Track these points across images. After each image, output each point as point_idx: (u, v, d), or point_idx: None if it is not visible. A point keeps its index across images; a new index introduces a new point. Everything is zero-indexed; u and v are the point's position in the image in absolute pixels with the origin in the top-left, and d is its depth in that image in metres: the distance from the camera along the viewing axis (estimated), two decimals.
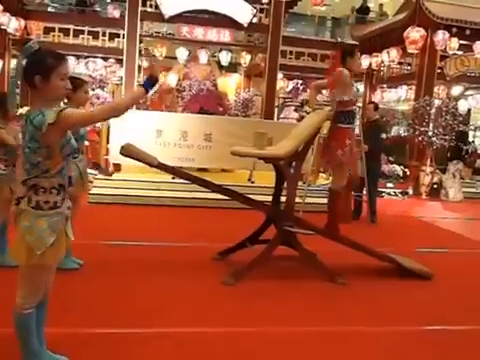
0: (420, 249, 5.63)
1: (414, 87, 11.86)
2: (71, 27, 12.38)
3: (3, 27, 11.06)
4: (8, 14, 10.94)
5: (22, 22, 11.68)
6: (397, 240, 6.25)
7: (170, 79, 12.20)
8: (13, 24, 11.23)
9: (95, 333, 3.03)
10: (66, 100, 3.94)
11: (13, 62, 12.77)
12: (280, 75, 12.52)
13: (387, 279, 4.50)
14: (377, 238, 5.92)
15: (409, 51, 10.93)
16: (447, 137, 10.65)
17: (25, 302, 2.33)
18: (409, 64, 13.11)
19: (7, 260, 3.82)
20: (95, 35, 12.45)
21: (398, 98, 13.28)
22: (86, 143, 4.60)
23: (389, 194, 10.26)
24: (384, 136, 7.51)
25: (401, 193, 10.39)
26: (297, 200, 4.94)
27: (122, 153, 4.06)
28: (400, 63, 13.02)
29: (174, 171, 4.47)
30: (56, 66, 2.27)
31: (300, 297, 3.94)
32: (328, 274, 4.32)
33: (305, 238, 4.39)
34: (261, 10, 11.15)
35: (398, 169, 10.93)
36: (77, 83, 4.00)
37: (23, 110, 3.56)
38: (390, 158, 11.60)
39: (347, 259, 4.74)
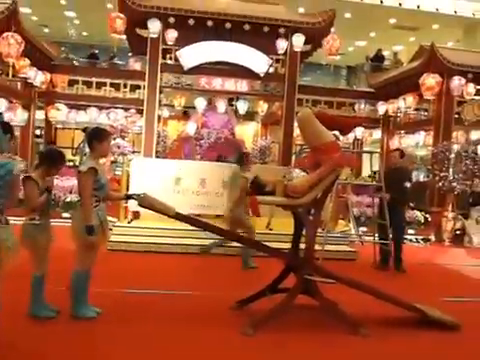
0: (447, 298, 5.44)
1: (432, 132, 11.87)
2: (94, 79, 12.87)
3: (30, 81, 11.55)
4: (35, 68, 11.45)
5: (48, 75, 12.19)
6: (422, 289, 6.05)
7: (189, 128, 12.44)
8: (39, 78, 11.74)
9: None
10: (90, 150, 4.04)
11: (38, 113, 13.24)
12: (296, 123, 12.69)
13: (413, 330, 4.33)
14: (402, 287, 5.74)
15: (426, 97, 11.01)
16: (468, 182, 10.51)
17: None
18: (426, 110, 13.20)
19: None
20: (117, 87, 12.91)
21: (416, 143, 13.27)
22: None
23: (411, 241, 10.07)
24: (408, 184, 7.23)
25: (423, 240, 10.19)
26: (316, 247, 4.86)
27: (139, 204, 4.10)
28: (417, 109, 13.12)
29: (191, 221, 4.47)
30: None
31: (321, 350, 3.81)
32: (350, 325, 4.19)
33: (326, 287, 4.29)
34: (277, 60, 11.45)
35: (419, 215, 10.77)
36: (103, 134, 4.11)
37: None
38: (410, 204, 11.46)
39: (370, 308, 4.60)
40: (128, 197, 4.65)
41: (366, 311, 4.56)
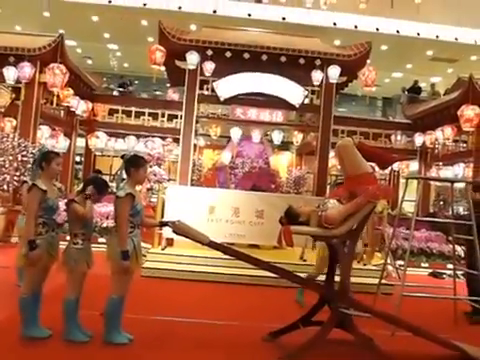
0: None
1: (471, 164, 11.56)
2: (133, 109, 13.25)
3: (72, 109, 12.01)
4: (78, 98, 11.91)
5: (89, 105, 12.65)
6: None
7: (224, 157, 12.57)
8: (81, 107, 12.19)
9: None
10: (127, 177, 4.13)
11: (79, 141, 13.70)
12: (332, 153, 12.63)
13: None
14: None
15: (464, 129, 10.79)
16: None
17: None
18: (465, 142, 12.91)
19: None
20: (155, 116, 13.24)
21: (455, 176, 12.93)
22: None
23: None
24: None
25: None
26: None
27: (174, 231, 4.14)
28: (455, 141, 12.86)
29: (224, 249, 4.46)
30: None
31: None
32: None
33: (361, 321, 4.18)
34: (313, 92, 11.49)
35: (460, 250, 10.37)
36: (139, 161, 4.20)
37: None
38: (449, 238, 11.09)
39: (407, 345, 4.44)
40: (163, 224, 4.70)
41: (403, 347, 4.40)
